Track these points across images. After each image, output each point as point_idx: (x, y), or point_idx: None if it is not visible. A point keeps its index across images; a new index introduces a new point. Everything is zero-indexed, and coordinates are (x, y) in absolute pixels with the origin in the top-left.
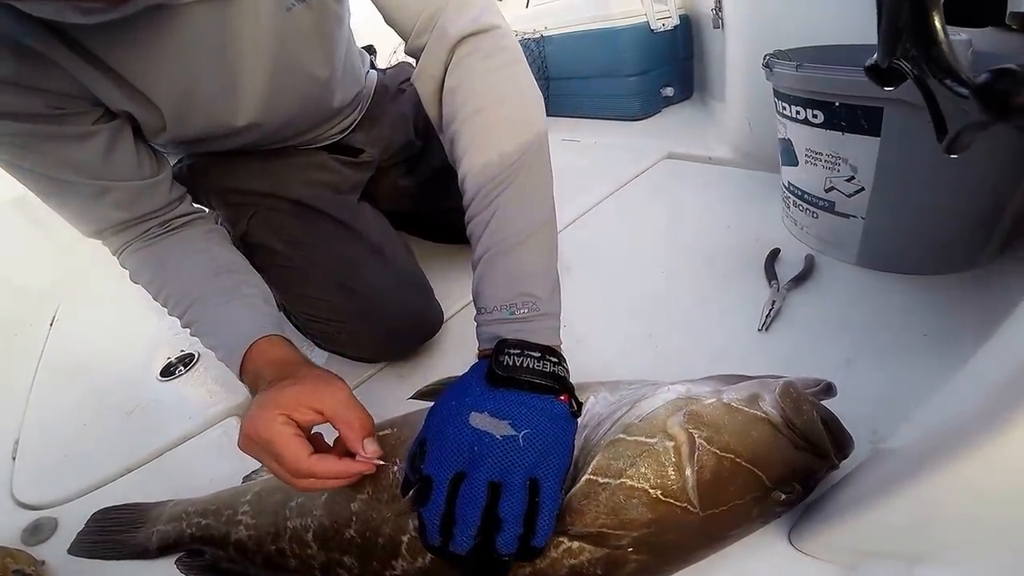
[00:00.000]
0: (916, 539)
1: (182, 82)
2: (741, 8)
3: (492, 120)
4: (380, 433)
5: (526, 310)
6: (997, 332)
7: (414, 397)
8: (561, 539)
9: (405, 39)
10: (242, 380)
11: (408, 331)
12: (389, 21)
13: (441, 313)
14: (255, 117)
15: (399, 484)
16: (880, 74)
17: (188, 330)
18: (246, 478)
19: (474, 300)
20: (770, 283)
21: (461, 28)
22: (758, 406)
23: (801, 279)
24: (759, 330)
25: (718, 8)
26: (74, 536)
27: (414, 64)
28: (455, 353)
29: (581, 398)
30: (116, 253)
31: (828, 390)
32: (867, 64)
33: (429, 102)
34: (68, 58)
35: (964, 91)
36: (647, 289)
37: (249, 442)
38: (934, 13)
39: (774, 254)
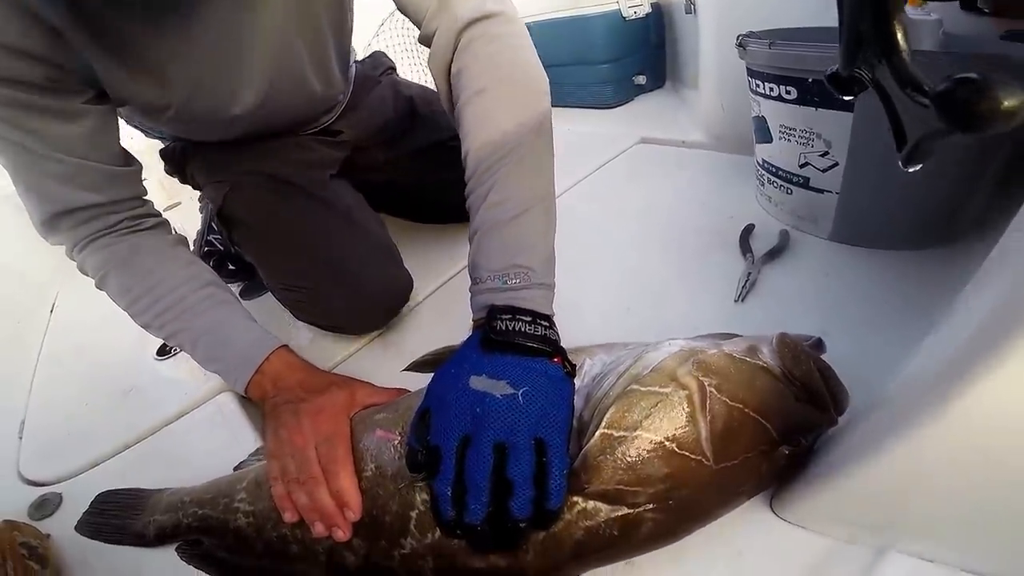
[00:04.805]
0: (892, 504)
1: (195, 63)
2: None
3: (493, 100)
4: (379, 416)
5: (517, 280)
6: (961, 294)
7: (409, 369)
8: (575, 500)
9: (418, 26)
10: (246, 388)
11: (378, 297)
12: (401, 8)
13: (410, 282)
14: (254, 103)
15: (402, 457)
16: (841, 83)
17: (162, 334)
18: (237, 467)
19: (470, 272)
20: (745, 256)
21: (469, 13)
22: (758, 357)
23: (776, 253)
24: (735, 301)
25: None
26: (77, 510)
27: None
28: (437, 327)
29: (577, 360)
30: (77, 245)
31: (819, 345)
32: (828, 73)
33: (440, 85)
34: (82, 34)
35: (925, 100)
36: (623, 266)
37: (302, 428)
38: (895, 21)
39: (749, 229)
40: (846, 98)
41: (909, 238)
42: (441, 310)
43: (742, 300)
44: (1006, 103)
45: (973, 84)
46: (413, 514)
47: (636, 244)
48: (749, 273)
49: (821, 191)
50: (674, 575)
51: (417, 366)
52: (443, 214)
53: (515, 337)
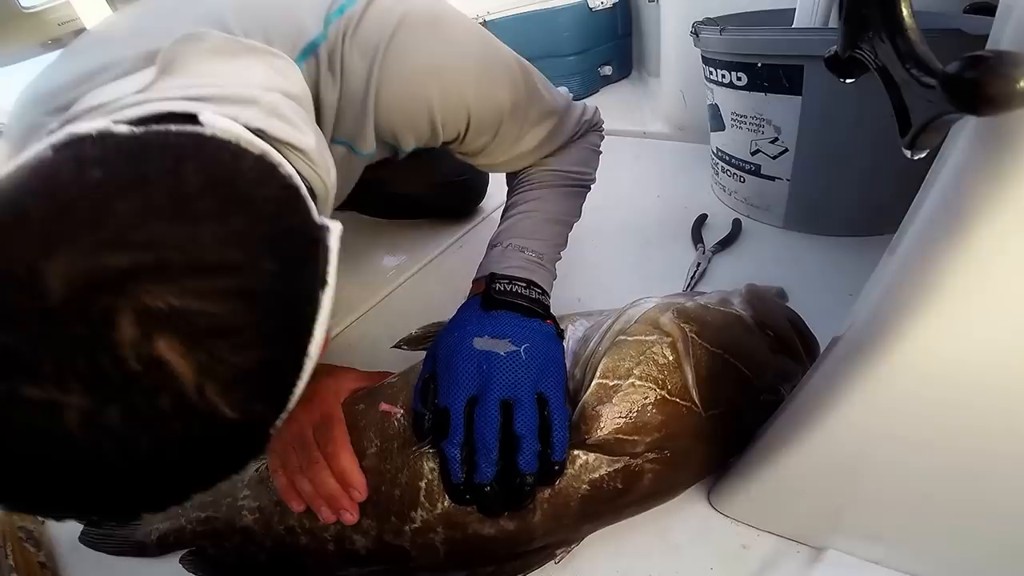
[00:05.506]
0: (822, 500)
1: None
2: None
3: (568, 155)
4: (371, 396)
5: (532, 254)
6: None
7: (398, 345)
8: (577, 453)
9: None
10: None
11: None
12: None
13: None
14: None
15: (407, 430)
16: (840, 65)
17: None
18: None
19: (492, 239)
20: (696, 247)
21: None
22: (731, 307)
23: (727, 242)
24: (684, 291)
25: None
26: None
27: None
28: (420, 305)
29: (560, 326)
30: None
31: (781, 295)
32: (826, 54)
33: None
34: None
35: (931, 81)
36: (576, 258)
37: (296, 417)
38: None
39: (701, 220)
40: (847, 81)
41: (862, 224)
42: (423, 290)
43: (691, 290)
44: (1022, 83)
45: (984, 63)
46: (422, 484)
47: (590, 237)
48: (699, 264)
49: (772, 178)
50: (611, 569)
51: (406, 342)
52: (405, 211)
53: (513, 297)
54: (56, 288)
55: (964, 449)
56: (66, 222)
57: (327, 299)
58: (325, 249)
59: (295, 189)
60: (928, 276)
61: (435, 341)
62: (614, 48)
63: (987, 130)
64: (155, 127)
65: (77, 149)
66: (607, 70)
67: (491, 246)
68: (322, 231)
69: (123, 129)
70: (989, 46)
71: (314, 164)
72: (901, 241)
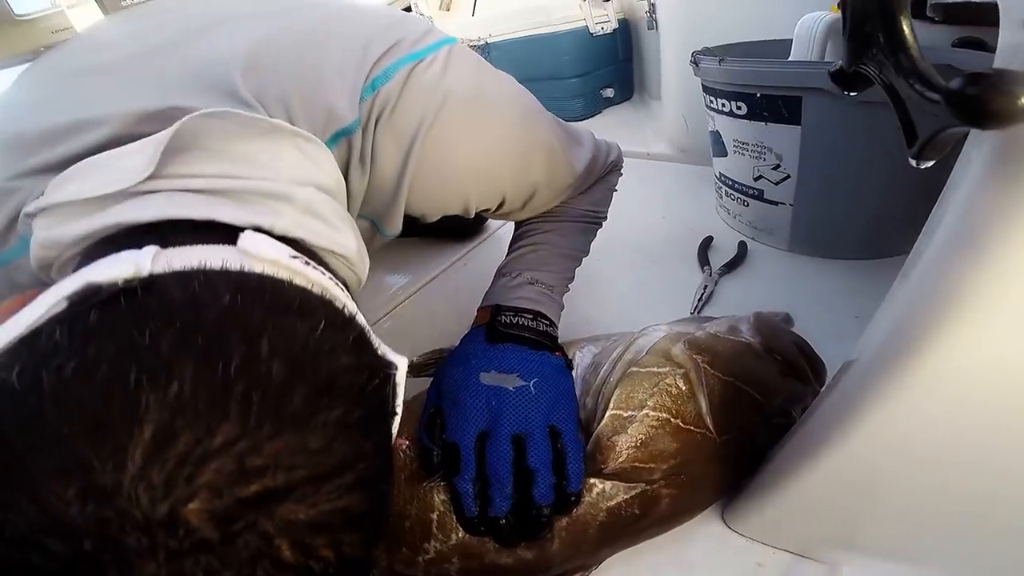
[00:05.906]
0: (839, 516)
1: None
2: (673, 9)
3: (583, 195)
4: None
5: (542, 286)
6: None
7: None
8: (594, 482)
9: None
10: None
11: None
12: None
13: None
14: None
15: (411, 461)
16: (846, 79)
17: None
18: None
19: (500, 269)
20: (703, 269)
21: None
22: (740, 335)
23: (734, 265)
24: (691, 314)
25: (651, 10)
26: None
27: None
28: (419, 330)
29: (568, 353)
30: None
31: (788, 320)
32: (832, 70)
33: None
34: None
35: (935, 96)
36: (583, 278)
37: None
38: (902, 17)
39: (707, 242)
40: (852, 94)
41: (866, 247)
42: (426, 310)
43: (698, 312)
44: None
45: (986, 80)
46: (434, 516)
47: (595, 257)
48: (706, 286)
49: (775, 203)
50: None
51: (414, 368)
52: (408, 230)
53: (519, 330)
54: (205, 525)
55: (988, 468)
56: (179, 459)
57: (395, 426)
58: (394, 385)
59: (360, 331)
60: (951, 293)
61: (439, 373)
62: (615, 72)
63: (1008, 144)
64: (193, 269)
65: (118, 326)
66: (609, 92)
67: (499, 275)
68: (391, 368)
69: (149, 266)
70: None
71: (353, 265)
72: (917, 262)
